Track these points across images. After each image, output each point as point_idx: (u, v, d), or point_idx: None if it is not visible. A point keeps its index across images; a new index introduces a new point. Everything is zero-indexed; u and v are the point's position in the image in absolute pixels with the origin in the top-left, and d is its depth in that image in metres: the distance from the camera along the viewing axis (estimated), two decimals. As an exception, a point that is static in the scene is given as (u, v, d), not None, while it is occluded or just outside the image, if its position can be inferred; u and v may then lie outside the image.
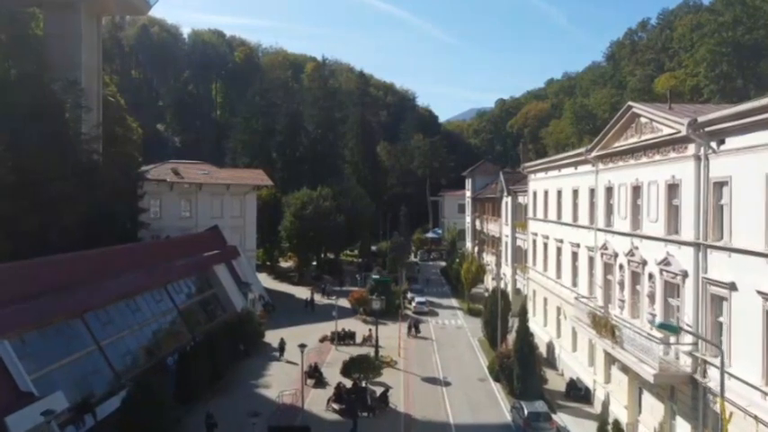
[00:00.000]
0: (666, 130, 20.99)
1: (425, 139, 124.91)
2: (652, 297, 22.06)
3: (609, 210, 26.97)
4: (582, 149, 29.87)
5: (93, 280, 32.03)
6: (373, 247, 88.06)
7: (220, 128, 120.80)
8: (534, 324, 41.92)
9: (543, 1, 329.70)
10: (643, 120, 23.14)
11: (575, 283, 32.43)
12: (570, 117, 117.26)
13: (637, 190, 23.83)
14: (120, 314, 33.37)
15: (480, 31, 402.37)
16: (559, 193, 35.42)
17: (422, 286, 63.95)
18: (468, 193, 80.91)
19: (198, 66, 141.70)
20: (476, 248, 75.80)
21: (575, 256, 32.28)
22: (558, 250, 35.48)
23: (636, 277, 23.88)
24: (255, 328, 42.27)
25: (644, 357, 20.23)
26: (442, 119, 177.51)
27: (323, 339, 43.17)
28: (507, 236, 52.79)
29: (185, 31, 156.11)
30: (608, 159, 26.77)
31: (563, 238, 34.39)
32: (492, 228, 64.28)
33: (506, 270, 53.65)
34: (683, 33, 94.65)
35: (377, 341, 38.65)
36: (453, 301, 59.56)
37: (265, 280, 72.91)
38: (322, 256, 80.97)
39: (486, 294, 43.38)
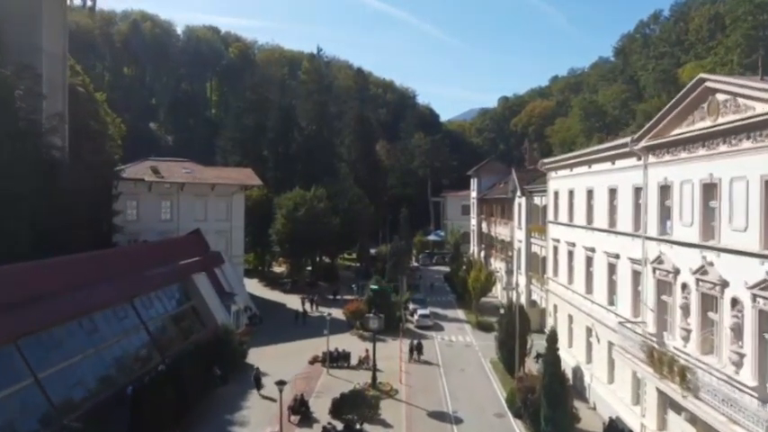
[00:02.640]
0: (762, 108, 15.68)
1: (426, 137, 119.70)
2: (738, 331, 16.70)
3: (665, 214, 21.60)
4: (625, 139, 24.45)
5: (35, 297, 26.68)
6: (372, 251, 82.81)
7: (215, 126, 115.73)
8: (556, 344, 36.62)
9: (543, 1, 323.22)
10: (721, 96, 17.78)
11: (611, 301, 27.08)
12: (578, 114, 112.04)
13: (710, 189, 18.47)
14: (69, 337, 28.03)
15: (480, 31, 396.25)
16: (590, 193, 30.07)
17: (424, 295, 58.51)
18: (474, 194, 75.68)
19: (192, 63, 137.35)
20: (482, 253, 70.59)
21: (612, 268, 26.93)
22: (588, 260, 30.11)
23: (709, 302, 18.51)
24: (235, 348, 36.82)
25: (739, 418, 14.84)
26: (442, 119, 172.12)
27: (313, 361, 37.76)
28: (520, 241, 47.43)
29: (179, 28, 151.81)
30: (663, 150, 21.39)
31: (595, 246, 29.03)
32: (501, 231, 58.95)
33: (519, 279, 48.32)
34: (701, 24, 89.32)
35: (374, 365, 33.22)
36: (459, 313, 54.07)
37: (256, 287, 67.83)
38: (317, 260, 75.65)
39: (501, 310, 37.87)
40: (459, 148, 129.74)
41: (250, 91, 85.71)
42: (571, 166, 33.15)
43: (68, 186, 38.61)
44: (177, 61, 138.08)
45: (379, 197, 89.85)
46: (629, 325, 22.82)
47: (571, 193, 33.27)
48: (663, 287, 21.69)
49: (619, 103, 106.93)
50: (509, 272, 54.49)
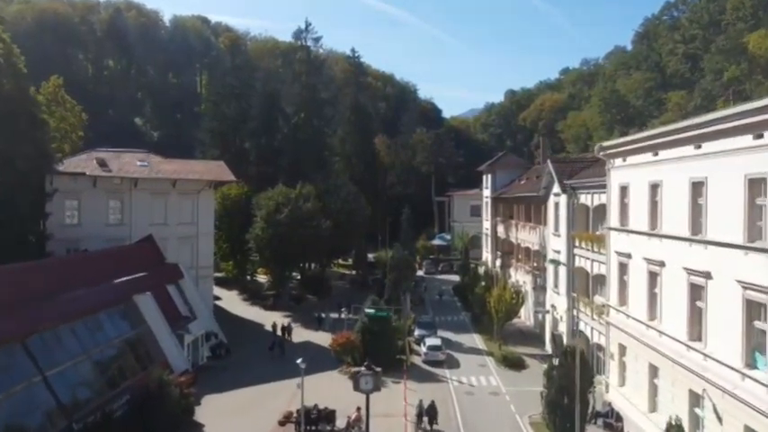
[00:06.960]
0: None
1: (429, 132, 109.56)
2: None
3: None
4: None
5: None
6: (370, 256, 72.65)
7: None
8: (622, 399, 26.30)
9: (543, 1, 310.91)
10: None
11: (753, 362, 16.73)
12: (598, 104, 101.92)
13: None
14: None
15: (480, 31, 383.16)
16: (696, 186, 19.71)
17: (432, 316, 48.03)
18: (487, 192, 65.25)
19: (180, 54, 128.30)
20: (497, 261, 60.24)
21: (753, 309, 16.56)
22: (694, 291, 19.71)
23: None
24: (174, 404, 26.32)
25: None
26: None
27: (284, 421, 27.23)
28: (558, 251, 36.91)
29: (167, 18, 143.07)
30: None
31: (711, 270, 18.64)
32: (526, 237, 48.53)
33: (556, 301, 37.97)
34: (742, 1, 79.04)
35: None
36: (477, 340, 43.43)
37: (233, 301, 57.73)
38: (308, 267, 65.40)
39: (555, 360, 27.18)
40: (464, 146, 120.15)
41: (231, 76, 75.15)
42: (655, 149, 22.75)
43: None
44: (164, 52, 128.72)
45: (378, 196, 79.65)
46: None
47: (654, 187, 22.88)
48: None
49: (643, 92, 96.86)
50: (536, 287, 44.44)
